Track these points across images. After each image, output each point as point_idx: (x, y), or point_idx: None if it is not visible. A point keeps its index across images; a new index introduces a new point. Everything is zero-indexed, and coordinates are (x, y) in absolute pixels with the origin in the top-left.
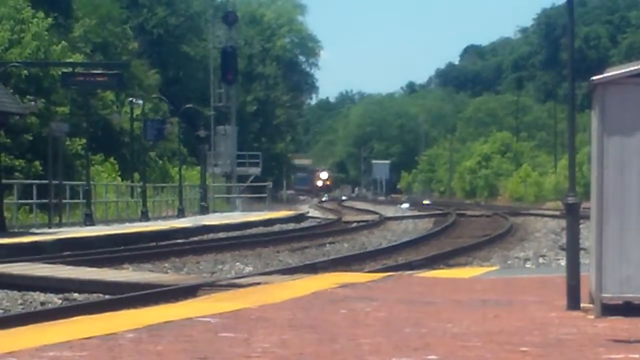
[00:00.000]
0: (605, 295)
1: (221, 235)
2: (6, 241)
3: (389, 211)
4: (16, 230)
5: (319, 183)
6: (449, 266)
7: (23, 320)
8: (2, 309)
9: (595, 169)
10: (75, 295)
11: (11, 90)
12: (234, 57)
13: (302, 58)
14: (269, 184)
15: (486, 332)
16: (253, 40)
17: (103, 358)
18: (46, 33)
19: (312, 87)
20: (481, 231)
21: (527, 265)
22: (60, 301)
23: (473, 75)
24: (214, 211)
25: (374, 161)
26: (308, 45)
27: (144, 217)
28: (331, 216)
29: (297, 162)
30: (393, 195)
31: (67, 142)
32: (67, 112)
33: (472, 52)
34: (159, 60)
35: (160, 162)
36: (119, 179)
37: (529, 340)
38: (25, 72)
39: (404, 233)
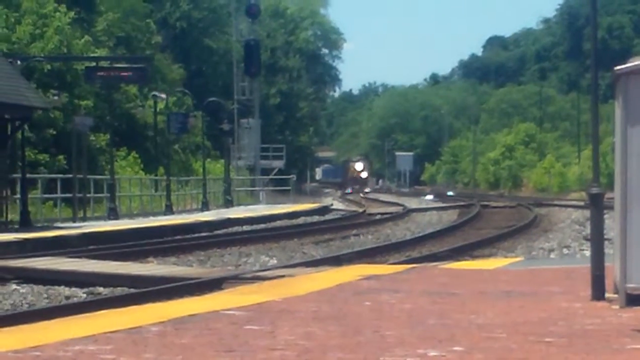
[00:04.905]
0: (629, 285)
1: (245, 228)
2: (31, 235)
3: (412, 203)
4: (41, 224)
5: (354, 175)
6: (473, 257)
7: (48, 315)
8: (27, 304)
9: (618, 159)
10: (100, 289)
11: (34, 85)
12: (257, 50)
13: (325, 50)
14: (293, 176)
15: (511, 323)
16: (276, 33)
17: (128, 351)
18: (68, 27)
19: (335, 80)
20: (505, 222)
21: (551, 256)
22: (85, 295)
23: (496, 66)
24: (238, 204)
25: (397, 153)
26: (331, 38)
27: (168, 210)
28: (355, 208)
29: (321, 154)
30: (417, 187)
31: (91, 137)
32: (91, 106)
33: (495, 43)
34: (182, 53)
35: (183, 155)
36: (142, 172)
37: (553, 330)
38: (49, 66)
39: (428, 225)
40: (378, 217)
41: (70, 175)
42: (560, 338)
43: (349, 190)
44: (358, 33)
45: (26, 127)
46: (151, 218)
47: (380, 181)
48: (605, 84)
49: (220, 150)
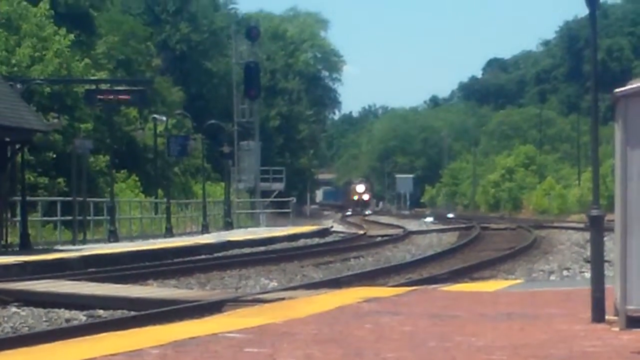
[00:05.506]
0: (630, 307)
1: (245, 250)
2: (31, 258)
3: (413, 225)
4: (41, 247)
5: (355, 197)
6: (474, 279)
7: (48, 338)
8: (27, 327)
9: (618, 180)
10: (100, 311)
11: (34, 108)
12: (257, 72)
13: (325, 73)
14: (293, 199)
15: (511, 346)
16: (276, 56)
17: None
18: (68, 50)
19: (335, 102)
20: (505, 244)
21: (551, 278)
22: (85, 318)
23: (496, 89)
24: (238, 227)
25: (397, 175)
26: (331, 60)
27: (168, 233)
28: (355, 231)
29: (321, 176)
30: (417, 209)
31: (91, 159)
32: (91, 129)
33: (494, 65)
34: (182, 76)
35: (183, 178)
36: (142, 195)
37: (554, 353)
38: (48, 89)
39: (428, 247)
40: (378, 239)
41: (70, 198)
42: None
43: (348, 212)
44: (358, 55)
45: (26, 149)
46: (151, 241)
47: (381, 203)
48: (605, 105)
49: (220, 172)
